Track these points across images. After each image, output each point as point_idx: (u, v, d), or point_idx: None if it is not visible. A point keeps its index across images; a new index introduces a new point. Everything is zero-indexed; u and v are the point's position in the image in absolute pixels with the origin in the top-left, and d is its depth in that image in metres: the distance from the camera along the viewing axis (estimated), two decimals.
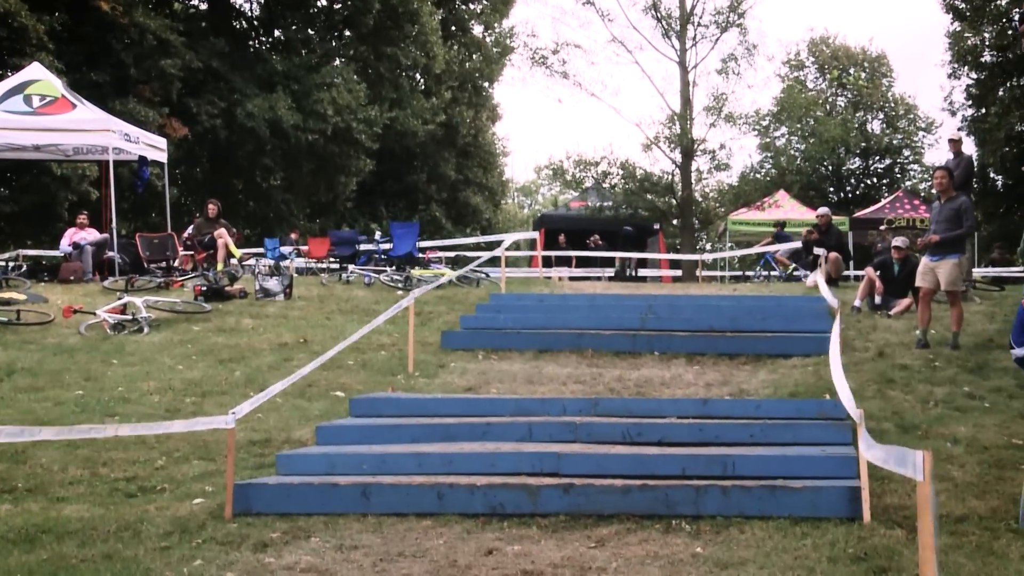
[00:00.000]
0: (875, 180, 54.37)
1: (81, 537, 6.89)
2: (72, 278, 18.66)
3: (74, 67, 27.63)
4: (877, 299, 15.34)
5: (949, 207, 12.42)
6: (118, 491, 8.11)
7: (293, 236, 29.14)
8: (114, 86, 28.97)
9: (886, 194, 45.06)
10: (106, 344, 13.48)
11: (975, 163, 22.29)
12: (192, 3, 38.62)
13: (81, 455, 9.01)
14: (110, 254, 19.69)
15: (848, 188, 54.36)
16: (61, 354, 12.88)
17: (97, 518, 7.31)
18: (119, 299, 15.19)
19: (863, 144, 51.41)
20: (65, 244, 20.00)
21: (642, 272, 31.25)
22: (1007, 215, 39.06)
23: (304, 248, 24.07)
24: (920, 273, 12.73)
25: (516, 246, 30.84)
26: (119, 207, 22.11)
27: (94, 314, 14.57)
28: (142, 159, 21.71)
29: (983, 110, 37.11)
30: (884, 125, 54.84)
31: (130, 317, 14.60)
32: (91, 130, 19.73)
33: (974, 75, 37.92)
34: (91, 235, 20.06)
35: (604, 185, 33.63)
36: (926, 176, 49.89)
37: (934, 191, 12.94)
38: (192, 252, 20.47)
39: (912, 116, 54.79)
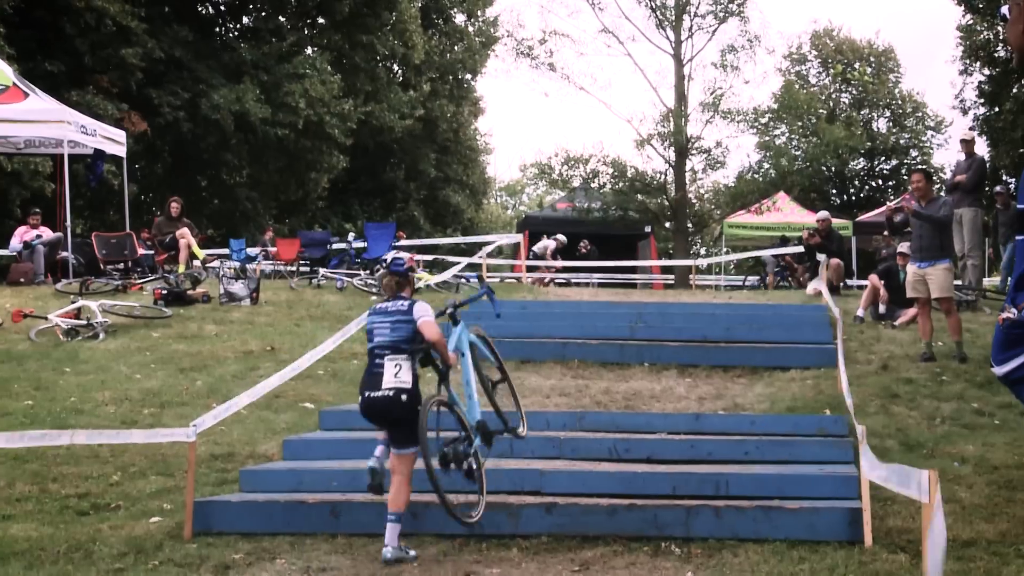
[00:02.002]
0: (880, 182, 54.59)
1: (29, 558, 6.86)
2: (22, 280, 18.57)
3: (26, 55, 27.47)
4: (881, 308, 15.40)
5: (931, 210, 12.50)
6: (69, 508, 8.07)
7: (267, 236, 29.12)
8: (69, 76, 28.82)
9: (892, 197, 45.25)
10: (58, 351, 13.42)
11: (987, 165, 22.39)
12: None
13: (29, 470, 8.97)
14: (64, 254, 19.61)
15: (852, 190, 54.57)
16: (9, 361, 12.81)
17: (46, 538, 7.28)
18: (73, 303, 15.13)
19: (868, 144, 51.60)
20: (15, 243, 19.87)
21: (633, 278, 31.26)
22: None
23: (272, 250, 24.04)
24: (910, 284, 12.69)
25: (499, 251, 30.83)
26: (74, 204, 22.02)
27: (46, 318, 14.50)
28: (98, 152, 21.63)
29: (996, 109, 37.20)
30: (891, 124, 55.07)
31: (84, 322, 14.54)
32: (45, 121, 19.67)
33: (987, 71, 38.03)
34: (44, 234, 19.96)
35: (593, 185, 33.70)
36: (935, 179, 50.11)
37: (912, 195, 12.93)
38: (154, 252, 20.41)
39: (920, 114, 55.03)
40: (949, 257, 12.60)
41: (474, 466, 7.29)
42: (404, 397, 7.22)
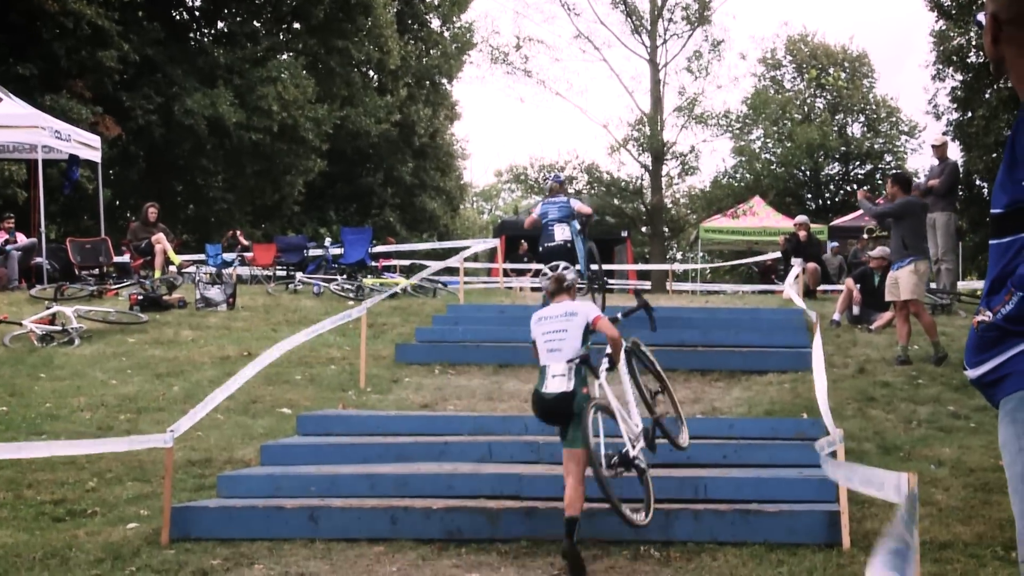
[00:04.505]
0: (855, 186, 54.77)
1: (4, 565, 6.81)
2: None
3: None
4: (855, 310, 15.47)
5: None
6: (45, 515, 8.02)
7: (230, 234, 28.81)
8: (43, 79, 28.68)
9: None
10: (33, 357, 13.34)
11: (960, 169, 22.52)
12: None
13: (4, 476, 8.91)
14: (38, 260, 19.52)
15: (827, 195, 54.80)
16: None
17: (22, 544, 7.23)
18: (48, 308, 15.05)
19: (843, 148, 51.84)
20: None
21: (611, 283, 31.26)
22: None
23: (248, 255, 23.95)
24: (888, 287, 12.76)
25: (474, 257, 30.80)
26: (48, 210, 21.91)
27: (20, 324, 14.42)
28: (72, 158, 21.53)
29: (969, 114, 37.43)
30: (865, 128, 55.31)
31: (59, 328, 14.46)
32: (18, 126, 19.57)
33: (960, 77, 38.24)
34: (18, 240, 19.85)
35: (570, 190, 33.59)
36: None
37: (886, 199, 13.06)
38: (130, 257, 20.32)
39: (894, 119, 55.27)
40: (916, 256, 12.47)
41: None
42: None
